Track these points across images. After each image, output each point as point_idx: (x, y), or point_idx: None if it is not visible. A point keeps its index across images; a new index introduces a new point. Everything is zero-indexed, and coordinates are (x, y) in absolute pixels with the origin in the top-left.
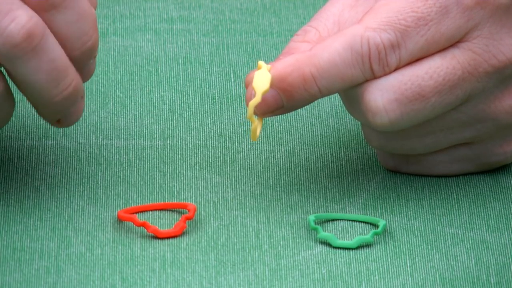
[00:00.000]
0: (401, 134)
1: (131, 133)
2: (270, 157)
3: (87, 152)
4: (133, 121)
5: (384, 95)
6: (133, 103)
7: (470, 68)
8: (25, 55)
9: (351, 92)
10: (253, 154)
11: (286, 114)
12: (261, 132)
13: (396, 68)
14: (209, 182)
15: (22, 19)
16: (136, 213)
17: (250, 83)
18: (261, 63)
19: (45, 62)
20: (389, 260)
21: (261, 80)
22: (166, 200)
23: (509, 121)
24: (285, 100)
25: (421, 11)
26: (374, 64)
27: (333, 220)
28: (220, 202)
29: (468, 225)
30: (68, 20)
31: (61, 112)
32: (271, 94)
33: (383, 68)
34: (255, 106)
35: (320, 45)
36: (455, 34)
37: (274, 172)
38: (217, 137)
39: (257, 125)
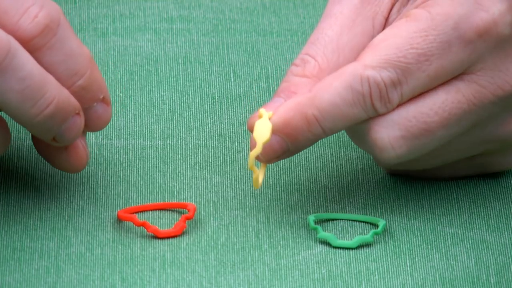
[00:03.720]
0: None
1: (131, 133)
2: None
3: None
4: (133, 121)
5: (389, 132)
6: (133, 103)
7: (475, 101)
8: None
9: (356, 129)
10: None
11: None
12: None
13: (399, 104)
14: (209, 182)
15: None
16: (136, 213)
17: (252, 127)
18: (262, 111)
19: (15, 81)
20: (389, 260)
21: (262, 130)
22: (166, 200)
23: None
24: (290, 144)
25: (421, 47)
26: (375, 101)
27: (333, 220)
28: (220, 202)
29: (468, 225)
30: (54, 60)
31: (50, 131)
32: (276, 140)
33: (385, 105)
34: (257, 156)
35: (320, 85)
36: (458, 68)
37: (274, 172)
38: (217, 137)
39: (259, 173)
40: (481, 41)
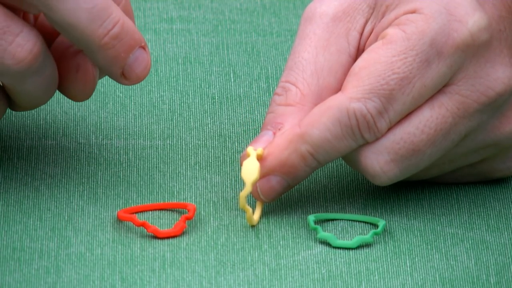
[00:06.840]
0: None
1: (131, 133)
2: None
3: (87, 152)
4: (133, 121)
5: (379, 158)
6: (133, 103)
7: (460, 113)
8: None
9: (347, 157)
10: None
11: None
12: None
13: (387, 129)
14: (209, 182)
15: None
16: (136, 213)
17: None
18: (249, 150)
19: (83, 0)
20: (389, 260)
21: (250, 170)
22: (166, 200)
23: (511, 143)
24: (290, 180)
25: (402, 70)
26: (364, 133)
27: (333, 220)
28: (220, 202)
29: (468, 225)
30: None
31: (117, 59)
32: (276, 180)
33: (374, 134)
34: (257, 197)
35: (308, 120)
36: (441, 82)
37: None
38: (217, 137)
39: (256, 211)
40: (459, 52)
